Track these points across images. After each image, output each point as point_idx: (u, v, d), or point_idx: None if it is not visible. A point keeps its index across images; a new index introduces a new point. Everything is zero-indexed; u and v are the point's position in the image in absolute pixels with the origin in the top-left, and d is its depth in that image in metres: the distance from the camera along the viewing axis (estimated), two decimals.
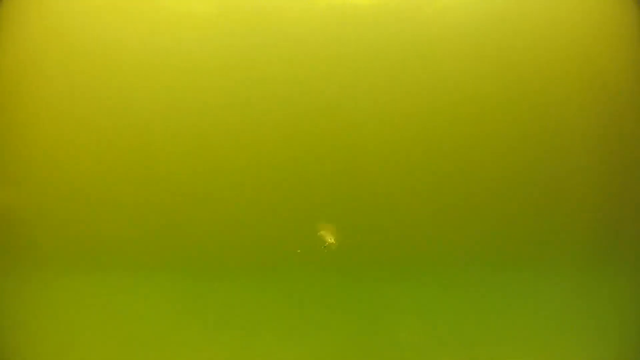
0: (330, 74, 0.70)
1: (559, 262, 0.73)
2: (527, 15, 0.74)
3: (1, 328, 0.78)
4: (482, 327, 0.71)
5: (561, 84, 0.74)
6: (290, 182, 0.69)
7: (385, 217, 0.69)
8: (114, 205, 0.72)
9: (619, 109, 0.77)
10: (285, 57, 0.70)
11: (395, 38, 0.71)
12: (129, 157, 0.72)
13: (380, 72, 0.70)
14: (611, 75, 0.77)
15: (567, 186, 0.74)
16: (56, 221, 0.74)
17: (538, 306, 0.72)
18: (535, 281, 0.72)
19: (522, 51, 0.73)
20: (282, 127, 0.70)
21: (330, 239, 0.68)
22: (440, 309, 0.71)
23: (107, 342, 0.72)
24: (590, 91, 0.75)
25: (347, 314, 0.70)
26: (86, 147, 0.73)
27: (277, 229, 0.69)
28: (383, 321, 0.70)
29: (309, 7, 0.70)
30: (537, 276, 0.72)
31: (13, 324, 0.77)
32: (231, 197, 0.70)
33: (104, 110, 0.72)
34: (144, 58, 0.72)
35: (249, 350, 0.70)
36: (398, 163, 0.70)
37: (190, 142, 0.70)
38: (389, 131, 0.70)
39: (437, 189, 0.70)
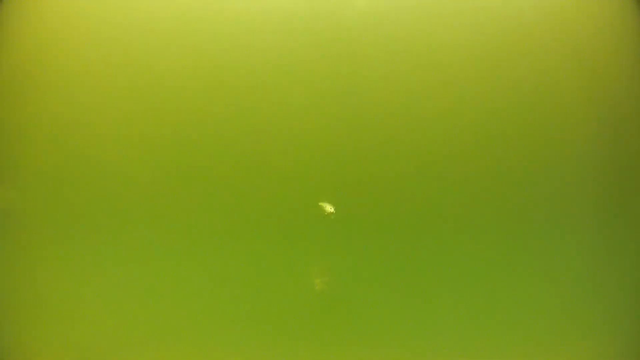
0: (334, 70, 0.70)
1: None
2: (526, 15, 0.74)
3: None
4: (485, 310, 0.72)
5: (560, 83, 0.74)
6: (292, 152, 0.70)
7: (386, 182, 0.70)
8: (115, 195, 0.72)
9: (619, 108, 0.78)
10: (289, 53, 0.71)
11: (398, 39, 0.71)
12: (128, 156, 0.72)
13: (389, 73, 0.70)
14: (611, 75, 0.78)
15: (568, 184, 0.74)
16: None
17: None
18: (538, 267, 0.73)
19: (521, 51, 0.73)
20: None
21: (329, 209, 0.69)
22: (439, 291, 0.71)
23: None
24: (590, 90, 0.76)
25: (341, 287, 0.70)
26: (87, 145, 0.73)
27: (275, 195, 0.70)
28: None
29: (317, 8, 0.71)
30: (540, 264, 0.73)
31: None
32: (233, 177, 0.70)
33: (104, 109, 0.73)
34: (146, 58, 0.72)
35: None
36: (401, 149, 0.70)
37: (190, 144, 0.71)
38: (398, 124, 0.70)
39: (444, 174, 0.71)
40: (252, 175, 0.69)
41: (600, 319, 0.76)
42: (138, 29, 0.73)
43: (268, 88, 0.70)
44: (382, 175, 0.70)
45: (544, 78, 0.73)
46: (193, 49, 0.71)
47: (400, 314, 0.70)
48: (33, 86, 0.76)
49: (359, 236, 0.70)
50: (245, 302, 0.70)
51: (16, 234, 0.77)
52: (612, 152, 0.77)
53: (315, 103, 0.70)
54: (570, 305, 0.74)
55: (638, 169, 0.79)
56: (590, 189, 0.75)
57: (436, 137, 0.70)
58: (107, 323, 0.73)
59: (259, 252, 0.69)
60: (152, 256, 0.71)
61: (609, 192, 0.76)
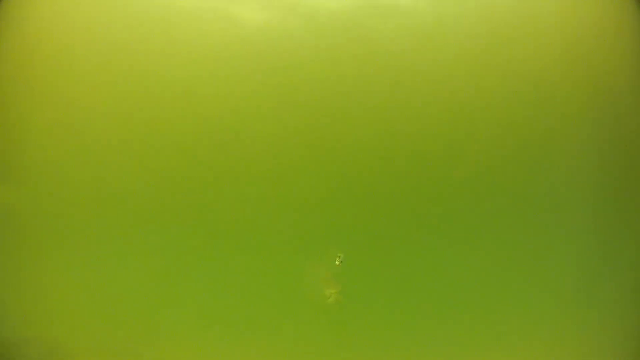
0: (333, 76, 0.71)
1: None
2: (525, 16, 0.74)
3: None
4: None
5: (560, 83, 0.74)
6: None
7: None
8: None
9: (619, 108, 0.78)
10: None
11: (395, 41, 0.71)
12: (128, 156, 0.72)
13: (385, 73, 0.71)
14: (611, 75, 0.78)
15: (566, 187, 0.74)
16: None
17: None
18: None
19: (521, 51, 0.73)
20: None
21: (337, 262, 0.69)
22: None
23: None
24: (591, 91, 0.76)
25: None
26: (88, 145, 0.73)
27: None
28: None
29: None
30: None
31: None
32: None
33: (105, 108, 0.73)
34: (146, 58, 0.72)
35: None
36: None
37: (191, 147, 0.71)
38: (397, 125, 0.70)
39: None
40: (256, 177, 0.70)
41: (598, 318, 0.76)
42: (138, 29, 0.73)
43: (268, 90, 0.70)
44: (380, 176, 0.70)
45: (544, 78, 0.73)
46: (192, 50, 0.71)
47: (399, 316, 0.71)
48: (33, 86, 0.76)
49: (361, 239, 0.70)
50: (249, 306, 0.70)
51: (17, 233, 0.77)
52: (611, 152, 0.77)
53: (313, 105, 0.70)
54: (567, 305, 0.74)
55: (637, 169, 0.79)
56: (589, 189, 0.75)
57: (437, 139, 0.70)
58: (108, 322, 0.73)
59: (262, 255, 0.70)
60: (153, 256, 0.72)
61: (607, 192, 0.76)
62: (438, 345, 0.71)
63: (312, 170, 0.70)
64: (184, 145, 0.71)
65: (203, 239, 0.71)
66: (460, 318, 0.71)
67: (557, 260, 0.74)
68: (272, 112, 0.70)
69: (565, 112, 0.74)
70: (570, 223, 0.74)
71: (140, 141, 0.71)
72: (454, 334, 0.71)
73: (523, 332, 0.73)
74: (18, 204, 0.76)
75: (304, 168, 0.70)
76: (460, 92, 0.71)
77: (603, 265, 0.76)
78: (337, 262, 0.69)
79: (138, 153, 0.72)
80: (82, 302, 0.74)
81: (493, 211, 0.71)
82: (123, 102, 0.72)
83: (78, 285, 0.74)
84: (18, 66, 0.78)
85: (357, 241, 0.70)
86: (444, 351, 0.71)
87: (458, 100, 0.71)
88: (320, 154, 0.70)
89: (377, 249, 0.70)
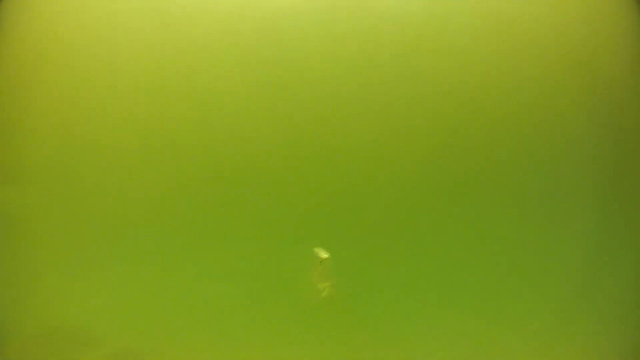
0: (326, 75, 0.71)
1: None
2: (526, 15, 0.74)
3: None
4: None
5: (560, 82, 0.74)
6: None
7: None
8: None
9: (619, 107, 0.78)
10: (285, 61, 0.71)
11: (393, 42, 0.71)
12: (127, 155, 0.72)
13: (384, 74, 0.71)
14: (610, 74, 0.78)
15: (564, 184, 0.74)
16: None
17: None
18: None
19: (521, 50, 0.73)
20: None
21: (323, 255, 0.69)
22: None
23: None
24: (590, 90, 0.76)
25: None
26: (87, 146, 0.73)
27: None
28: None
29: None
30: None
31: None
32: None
33: (105, 108, 0.73)
34: (144, 58, 0.72)
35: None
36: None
37: (190, 148, 0.71)
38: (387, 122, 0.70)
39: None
40: (257, 177, 0.70)
41: (599, 318, 0.76)
42: (139, 29, 0.73)
43: (267, 91, 0.70)
44: (376, 177, 0.70)
45: (543, 77, 0.74)
46: (192, 49, 0.71)
47: (398, 315, 0.71)
48: (32, 86, 0.76)
49: (361, 238, 0.70)
50: (249, 304, 0.71)
51: (18, 234, 0.77)
52: (613, 152, 0.77)
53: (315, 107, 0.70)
54: (567, 305, 0.74)
55: (636, 168, 0.79)
56: (588, 188, 0.75)
57: (438, 140, 0.70)
58: (108, 323, 0.73)
59: (261, 253, 0.70)
60: (153, 257, 0.72)
61: (606, 192, 0.76)
62: (438, 343, 0.71)
63: (310, 169, 0.70)
64: (180, 150, 0.71)
65: (201, 241, 0.71)
66: (460, 318, 0.71)
67: (556, 261, 0.74)
68: (268, 112, 0.70)
69: (564, 111, 0.74)
70: (570, 223, 0.74)
71: (138, 143, 0.72)
72: (453, 334, 0.72)
73: (522, 332, 0.73)
74: (19, 205, 0.77)
75: (302, 168, 0.70)
76: (459, 94, 0.71)
77: (603, 266, 0.76)
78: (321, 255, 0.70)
79: (136, 155, 0.72)
80: (81, 305, 0.74)
81: (493, 211, 0.72)
82: (124, 103, 0.72)
83: (77, 286, 0.74)
84: (18, 66, 0.78)
85: (357, 240, 0.70)
86: (443, 350, 0.71)
87: (455, 104, 0.71)
88: (317, 156, 0.70)
89: (377, 248, 0.70)
